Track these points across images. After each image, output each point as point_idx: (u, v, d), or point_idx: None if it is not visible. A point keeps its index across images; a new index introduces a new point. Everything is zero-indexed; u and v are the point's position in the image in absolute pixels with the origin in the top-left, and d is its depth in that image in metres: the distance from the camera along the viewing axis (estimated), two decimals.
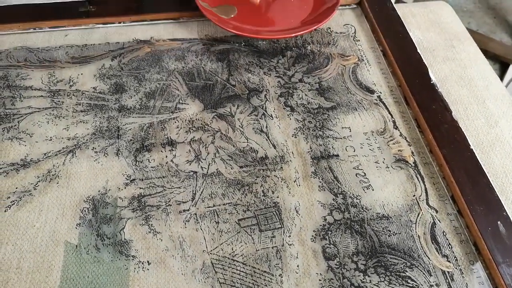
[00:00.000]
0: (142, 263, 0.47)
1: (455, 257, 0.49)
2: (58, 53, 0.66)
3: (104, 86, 0.62)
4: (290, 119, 0.60)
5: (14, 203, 0.51)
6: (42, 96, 0.61)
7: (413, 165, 0.56)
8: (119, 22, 0.71)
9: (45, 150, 0.55)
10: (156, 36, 0.69)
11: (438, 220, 0.51)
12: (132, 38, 0.69)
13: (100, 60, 0.66)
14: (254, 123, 0.60)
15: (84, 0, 0.70)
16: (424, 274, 0.47)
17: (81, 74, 0.64)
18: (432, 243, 0.50)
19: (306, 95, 0.63)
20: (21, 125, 0.57)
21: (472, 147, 0.56)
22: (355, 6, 0.77)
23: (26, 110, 0.59)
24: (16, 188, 0.52)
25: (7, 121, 0.58)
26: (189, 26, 0.71)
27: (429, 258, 0.48)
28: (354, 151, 0.57)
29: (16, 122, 0.58)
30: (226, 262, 0.47)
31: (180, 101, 0.61)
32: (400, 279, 0.47)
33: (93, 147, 0.56)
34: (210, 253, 0.48)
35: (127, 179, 0.53)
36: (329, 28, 0.73)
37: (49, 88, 0.62)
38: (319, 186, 0.54)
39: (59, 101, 0.60)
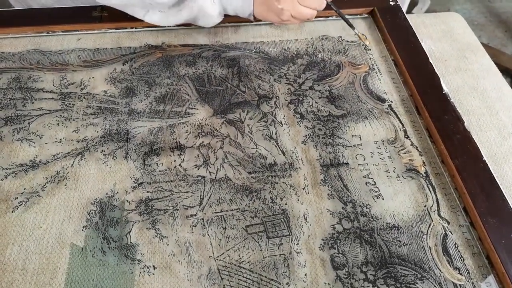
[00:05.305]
0: (148, 268, 0.46)
1: (467, 269, 0.48)
2: (70, 56, 0.67)
3: (115, 90, 0.63)
4: (300, 126, 0.60)
5: (21, 204, 0.50)
6: (53, 98, 0.61)
7: (425, 175, 0.55)
8: (131, 27, 0.71)
9: (54, 152, 0.55)
10: (167, 42, 0.70)
11: (450, 231, 0.50)
12: (144, 43, 0.69)
13: (112, 64, 0.66)
14: (263, 129, 0.59)
15: (97, 5, 0.71)
16: (435, 286, 0.46)
17: (93, 77, 0.64)
18: (444, 255, 0.48)
19: (316, 102, 0.63)
20: (31, 126, 0.58)
21: (485, 158, 0.55)
22: (366, 15, 0.77)
23: (37, 112, 0.59)
24: (24, 189, 0.52)
25: (18, 122, 0.58)
26: (200, 32, 0.72)
27: (440, 270, 0.47)
28: (364, 159, 0.56)
29: (27, 123, 0.58)
30: (232, 268, 0.47)
31: (190, 106, 0.61)
32: None
33: (102, 150, 0.56)
34: (217, 259, 0.47)
35: (135, 183, 0.53)
36: (340, 36, 0.73)
37: (60, 90, 0.62)
38: (328, 194, 0.53)
39: (69, 104, 0.61)
